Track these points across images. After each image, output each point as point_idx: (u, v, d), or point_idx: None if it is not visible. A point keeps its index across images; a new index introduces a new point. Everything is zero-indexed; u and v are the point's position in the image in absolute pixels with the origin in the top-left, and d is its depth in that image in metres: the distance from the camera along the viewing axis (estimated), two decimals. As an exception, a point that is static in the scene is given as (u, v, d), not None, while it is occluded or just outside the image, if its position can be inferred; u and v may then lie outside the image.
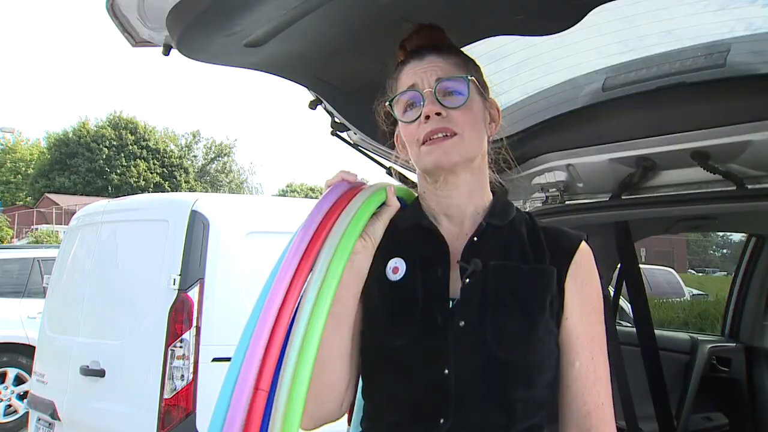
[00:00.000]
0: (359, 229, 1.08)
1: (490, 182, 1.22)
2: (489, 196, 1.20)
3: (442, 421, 1.04)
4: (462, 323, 1.07)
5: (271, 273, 1.03)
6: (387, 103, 1.19)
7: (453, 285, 1.11)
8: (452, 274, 1.12)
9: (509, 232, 1.16)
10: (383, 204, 1.14)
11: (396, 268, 1.13)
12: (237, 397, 0.93)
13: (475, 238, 1.14)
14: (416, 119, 1.13)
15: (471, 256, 1.12)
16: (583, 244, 1.17)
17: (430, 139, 1.11)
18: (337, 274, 1.02)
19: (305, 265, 1.02)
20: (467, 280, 1.10)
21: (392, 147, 1.29)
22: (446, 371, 1.05)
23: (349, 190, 1.12)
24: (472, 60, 1.22)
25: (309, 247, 1.03)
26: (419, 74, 1.14)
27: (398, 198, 1.19)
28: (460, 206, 1.17)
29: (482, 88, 1.19)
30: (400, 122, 1.17)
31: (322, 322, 0.99)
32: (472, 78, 1.15)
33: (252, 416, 0.93)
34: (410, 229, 1.16)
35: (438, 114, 1.11)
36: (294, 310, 1.00)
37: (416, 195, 1.24)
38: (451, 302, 1.09)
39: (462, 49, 1.24)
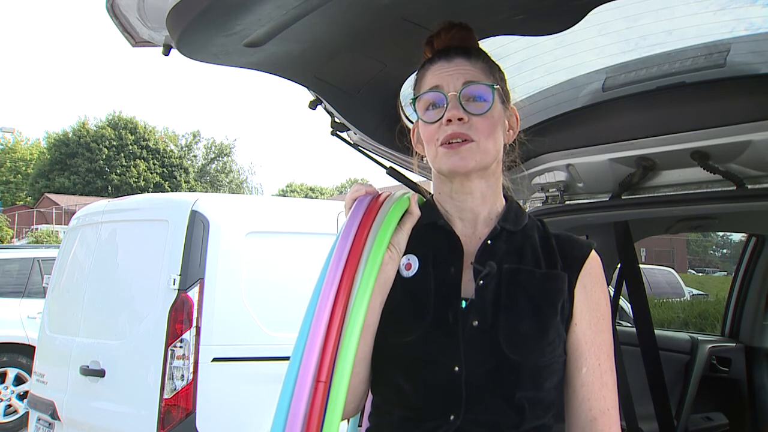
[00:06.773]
0: (387, 240, 1.09)
1: (504, 188, 1.24)
2: (502, 202, 1.22)
3: (452, 417, 1.05)
4: (476, 323, 1.09)
5: (316, 284, 1.07)
6: (410, 100, 1.20)
7: (465, 285, 1.12)
8: (465, 275, 1.13)
9: (522, 237, 1.18)
10: (405, 212, 1.15)
11: (409, 264, 1.15)
12: (299, 388, 1.00)
13: (489, 241, 1.15)
14: (437, 120, 1.14)
15: (485, 258, 1.13)
16: (593, 252, 1.19)
17: (449, 143, 1.12)
18: (370, 286, 1.06)
19: (348, 274, 1.06)
20: (481, 281, 1.11)
21: (393, 147, 1.29)
22: (456, 369, 1.06)
23: (373, 200, 1.14)
24: (497, 66, 1.22)
25: (349, 259, 1.07)
26: (446, 76, 1.15)
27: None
28: (474, 210, 1.18)
29: (505, 96, 1.20)
30: (420, 120, 1.18)
31: (359, 325, 1.04)
32: (498, 87, 1.16)
33: (314, 405, 1.00)
34: (424, 227, 1.17)
35: (460, 119, 1.12)
36: (342, 316, 1.05)
37: (429, 195, 1.25)
38: (463, 302, 1.10)
39: None
